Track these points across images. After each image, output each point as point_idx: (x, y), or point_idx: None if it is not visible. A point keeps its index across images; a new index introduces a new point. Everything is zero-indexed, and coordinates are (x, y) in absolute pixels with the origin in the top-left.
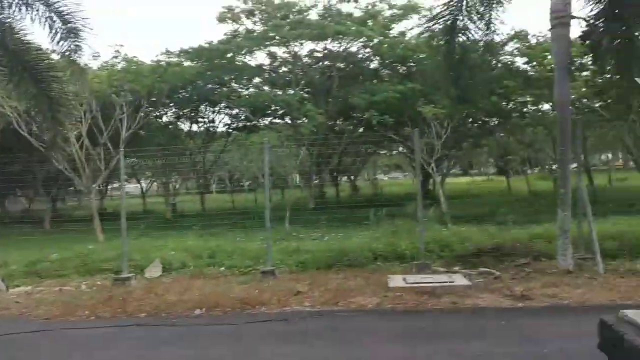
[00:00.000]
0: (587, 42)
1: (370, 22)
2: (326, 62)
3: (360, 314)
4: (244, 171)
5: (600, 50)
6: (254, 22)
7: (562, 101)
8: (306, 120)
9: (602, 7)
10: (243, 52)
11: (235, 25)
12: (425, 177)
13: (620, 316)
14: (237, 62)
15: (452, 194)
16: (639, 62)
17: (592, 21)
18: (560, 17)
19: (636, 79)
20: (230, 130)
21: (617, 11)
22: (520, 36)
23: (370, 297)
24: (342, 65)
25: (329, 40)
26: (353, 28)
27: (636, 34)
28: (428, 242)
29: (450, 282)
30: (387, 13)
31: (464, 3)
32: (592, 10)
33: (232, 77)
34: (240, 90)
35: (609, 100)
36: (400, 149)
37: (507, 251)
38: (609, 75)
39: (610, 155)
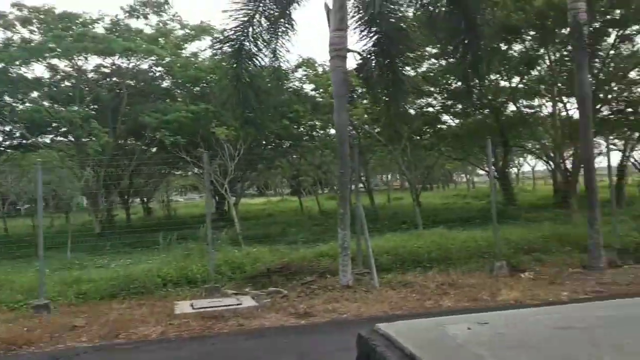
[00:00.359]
0: (361, 74)
1: (162, 41)
2: (114, 79)
3: (142, 345)
4: (19, 194)
5: (372, 81)
6: (31, 32)
7: (341, 127)
8: (93, 139)
9: (372, 43)
10: (17, 62)
11: (9, 33)
12: (221, 199)
13: (374, 329)
14: (10, 74)
15: (248, 214)
16: (404, 94)
17: (365, 55)
18: (338, 50)
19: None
20: (2, 149)
21: (384, 48)
22: (307, 64)
23: (154, 326)
24: (132, 82)
25: (117, 56)
26: (144, 45)
27: (400, 68)
28: (220, 264)
29: (238, 304)
30: (180, 33)
31: (250, 30)
32: (365, 45)
33: (5, 89)
34: (14, 104)
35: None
36: (196, 170)
37: (295, 270)
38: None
39: (389, 177)
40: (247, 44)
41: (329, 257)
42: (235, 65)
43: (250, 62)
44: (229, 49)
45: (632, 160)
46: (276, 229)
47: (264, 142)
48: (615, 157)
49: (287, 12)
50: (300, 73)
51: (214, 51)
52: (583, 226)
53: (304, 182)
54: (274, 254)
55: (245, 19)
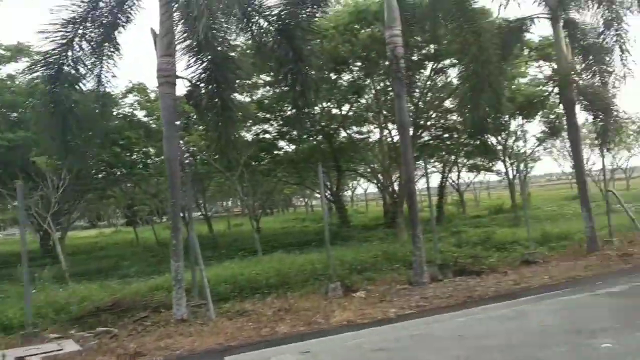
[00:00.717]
0: (191, 100)
1: None
2: None
3: None
4: None
5: (202, 108)
6: None
7: (171, 155)
8: None
9: (200, 70)
10: None
11: None
12: (46, 233)
13: None
14: None
15: (77, 249)
16: (234, 121)
17: (194, 82)
18: (166, 76)
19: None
20: None
21: (213, 75)
22: (138, 89)
23: None
24: None
25: None
26: None
27: (230, 96)
28: (41, 306)
29: (58, 350)
30: None
31: (70, 54)
32: (194, 72)
33: None
34: None
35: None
36: (16, 203)
37: (127, 306)
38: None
39: (229, 203)
40: (67, 68)
41: (164, 290)
42: (54, 91)
43: (71, 87)
44: (48, 73)
45: (450, 181)
46: (108, 262)
47: (93, 171)
48: (436, 179)
49: (112, 36)
50: (131, 99)
51: (30, 75)
52: (409, 244)
53: (139, 212)
54: (105, 291)
55: (64, 41)
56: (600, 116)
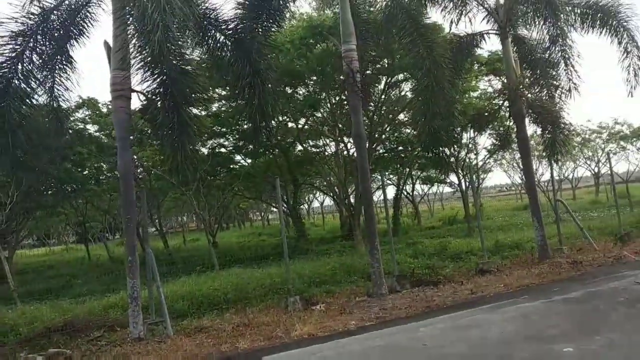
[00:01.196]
0: (146, 115)
1: None
2: None
3: None
4: None
5: (157, 123)
6: None
7: (125, 171)
8: None
9: (156, 84)
10: None
11: None
12: None
13: None
14: None
15: (27, 267)
16: (190, 136)
17: (149, 96)
18: (120, 90)
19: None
20: None
21: (169, 89)
22: (89, 104)
23: None
24: None
25: None
26: None
27: (187, 110)
28: None
29: None
30: None
31: (20, 67)
32: (149, 86)
33: None
34: None
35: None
36: None
37: (80, 326)
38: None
39: (185, 218)
40: (17, 82)
41: (119, 309)
42: (3, 105)
43: (21, 102)
44: None
45: (405, 193)
46: (59, 281)
47: (43, 187)
48: (392, 191)
49: (64, 49)
50: (82, 113)
51: None
52: (366, 256)
53: (92, 229)
54: (56, 311)
55: (13, 54)
56: (548, 128)
